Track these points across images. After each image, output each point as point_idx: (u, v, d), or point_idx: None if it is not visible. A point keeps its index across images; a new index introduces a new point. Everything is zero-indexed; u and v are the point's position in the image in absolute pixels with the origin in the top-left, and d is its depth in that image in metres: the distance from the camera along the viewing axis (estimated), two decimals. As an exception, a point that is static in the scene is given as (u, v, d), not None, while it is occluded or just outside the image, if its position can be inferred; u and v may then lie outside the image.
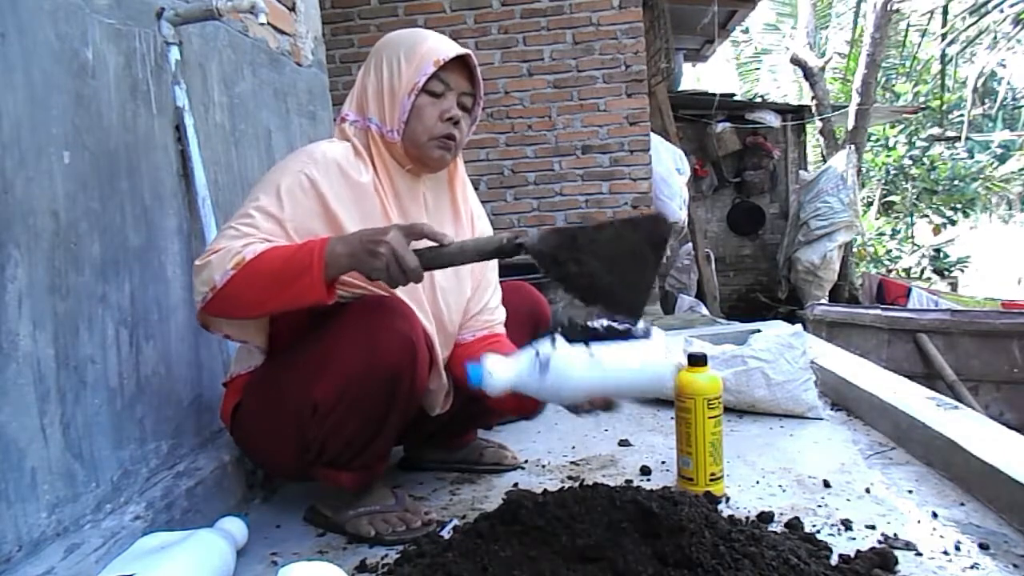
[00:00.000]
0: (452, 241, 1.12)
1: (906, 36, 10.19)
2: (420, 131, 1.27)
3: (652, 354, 1.10)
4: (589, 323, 1.12)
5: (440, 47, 1.28)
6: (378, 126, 1.30)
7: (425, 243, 1.12)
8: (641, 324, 1.12)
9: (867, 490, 1.39)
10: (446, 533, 1.22)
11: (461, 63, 1.30)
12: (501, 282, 1.52)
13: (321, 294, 1.10)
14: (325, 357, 1.19)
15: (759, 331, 2.10)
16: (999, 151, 12.23)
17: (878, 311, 4.24)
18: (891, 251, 10.55)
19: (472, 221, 1.45)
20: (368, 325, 1.19)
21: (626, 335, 1.11)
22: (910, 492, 1.38)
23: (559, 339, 1.10)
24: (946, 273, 10.19)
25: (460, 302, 1.41)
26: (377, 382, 1.18)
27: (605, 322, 1.12)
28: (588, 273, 1.05)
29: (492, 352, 1.17)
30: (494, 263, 1.48)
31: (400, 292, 1.22)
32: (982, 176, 11.52)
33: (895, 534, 1.19)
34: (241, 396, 1.31)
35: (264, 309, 1.19)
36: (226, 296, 1.13)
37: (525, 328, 1.49)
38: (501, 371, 1.11)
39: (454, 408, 1.42)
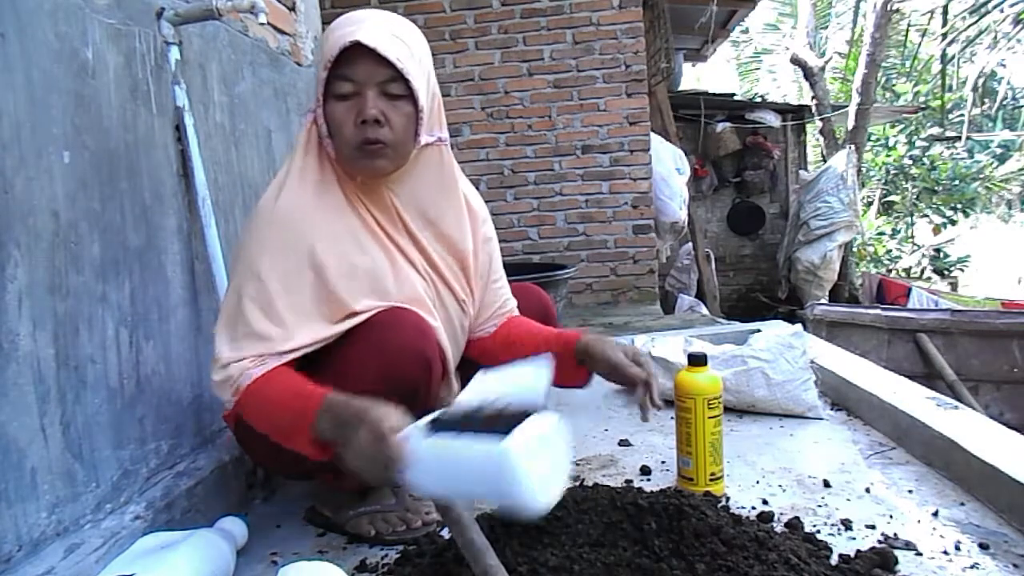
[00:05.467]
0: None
1: (906, 36, 10.17)
2: (340, 144, 1.15)
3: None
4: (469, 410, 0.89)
5: (332, 41, 1.10)
6: (326, 137, 1.18)
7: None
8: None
9: (867, 490, 1.39)
10: (446, 533, 1.22)
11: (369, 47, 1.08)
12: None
13: (316, 455, 1.06)
14: (340, 371, 1.12)
15: (759, 331, 2.10)
16: (999, 151, 12.23)
17: (878, 311, 4.23)
18: (891, 251, 10.54)
19: (471, 210, 1.40)
20: (384, 341, 1.14)
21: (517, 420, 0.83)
22: (910, 492, 1.38)
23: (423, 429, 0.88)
24: (946, 273, 10.19)
25: (470, 312, 1.40)
26: (392, 399, 1.15)
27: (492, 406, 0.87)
28: None
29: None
30: (497, 255, 1.46)
31: (412, 307, 1.21)
32: (982, 176, 11.51)
33: (895, 534, 1.19)
34: None
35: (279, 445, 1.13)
36: (243, 415, 1.15)
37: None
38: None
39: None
